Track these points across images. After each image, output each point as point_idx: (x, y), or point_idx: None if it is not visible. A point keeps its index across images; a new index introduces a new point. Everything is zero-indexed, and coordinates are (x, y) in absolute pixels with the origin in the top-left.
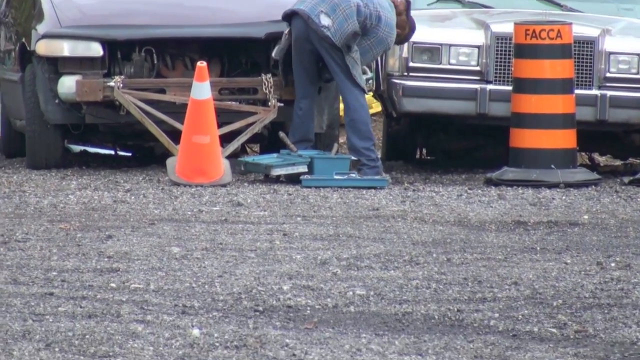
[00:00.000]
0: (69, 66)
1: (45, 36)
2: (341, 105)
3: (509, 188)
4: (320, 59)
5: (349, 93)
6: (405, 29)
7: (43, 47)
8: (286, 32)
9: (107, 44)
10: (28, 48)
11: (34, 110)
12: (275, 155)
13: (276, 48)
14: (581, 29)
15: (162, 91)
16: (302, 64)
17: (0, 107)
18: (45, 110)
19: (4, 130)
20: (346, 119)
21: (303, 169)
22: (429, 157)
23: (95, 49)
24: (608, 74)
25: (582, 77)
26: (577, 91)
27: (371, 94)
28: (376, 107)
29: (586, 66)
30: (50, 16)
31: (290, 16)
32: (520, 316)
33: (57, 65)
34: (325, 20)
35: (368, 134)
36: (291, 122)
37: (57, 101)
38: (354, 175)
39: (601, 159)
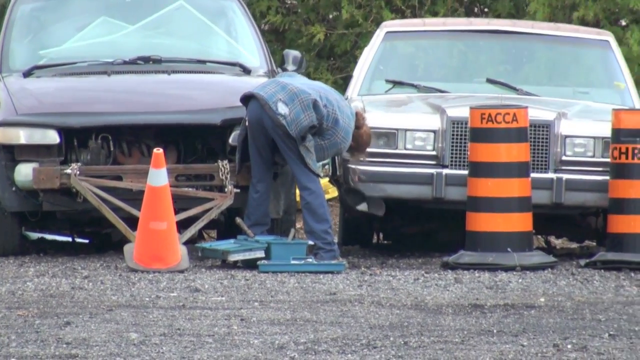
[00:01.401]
0: (25, 154)
1: (2, 124)
2: (297, 191)
3: (465, 271)
4: (275, 143)
5: (304, 177)
6: (357, 142)
7: None
8: (245, 117)
9: (63, 131)
10: None
11: None
12: (232, 241)
13: (232, 134)
14: (537, 113)
15: (119, 178)
16: (257, 147)
17: None
18: (2, 198)
19: None
20: (302, 202)
21: (260, 254)
22: (385, 242)
23: (52, 137)
24: (564, 157)
25: (538, 161)
26: (533, 174)
27: (327, 179)
28: (332, 192)
29: (542, 149)
30: (7, 104)
31: (248, 99)
32: None
33: (14, 153)
34: (282, 109)
35: (325, 216)
36: (247, 205)
37: (14, 189)
38: (310, 260)
39: (557, 242)
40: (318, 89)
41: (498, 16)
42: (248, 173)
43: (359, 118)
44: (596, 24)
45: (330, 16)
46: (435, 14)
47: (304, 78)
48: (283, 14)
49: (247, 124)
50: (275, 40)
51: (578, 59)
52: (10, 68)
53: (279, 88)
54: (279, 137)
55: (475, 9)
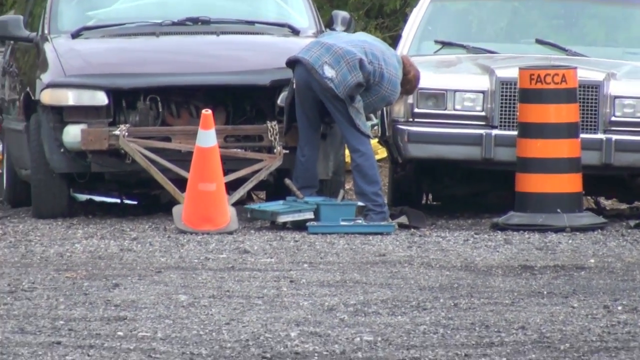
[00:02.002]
0: (74, 115)
1: (50, 85)
2: (347, 152)
3: (515, 232)
4: (323, 106)
5: (354, 139)
6: (405, 88)
7: (48, 97)
8: (292, 80)
9: (111, 92)
10: (32, 97)
11: (39, 160)
12: (281, 202)
13: (281, 95)
14: (586, 73)
15: (168, 139)
16: (304, 110)
17: (6, 156)
18: (51, 160)
19: (10, 180)
20: (352, 164)
21: (309, 215)
22: (434, 203)
23: (100, 98)
24: (613, 118)
25: (587, 121)
26: (582, 135)
27: (376, 140)
28: (382, 153)
29: (591, 110)
30: (55, 65)
31: (293, 63)
32: None
33: (62, 115)
34: (329, 72)
35: (375, 178)
36: (294, 169)
37: (62, 150)
38: (360, 221)
39: (607, 203)
40: (362, 44)
41: None
42: (297, 133)
43: (405, 65)
44: None
45: None
46: None
47: (345, 34)
48: None
49: (294, 87)
50: None
51: (627, 20)
52: (58, 29)
53: (324, 50)
54: (327, 100)
55: None
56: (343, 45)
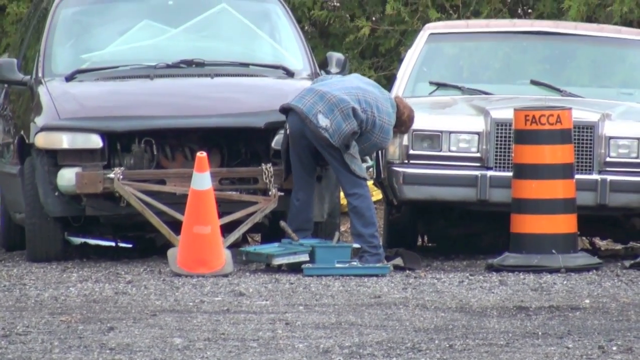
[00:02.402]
0: (68, 158)
1: (44, 129)
2: (342, 194)
3: (510, 273)
4: (317, 151)
5: (350, 184)
6: (400, 128)
7: (42, 140)
8: (286, 126)
9: (106, 135)
10: (27, 141)
11: (34, 203)
12: (276, 244)
13: (276, 138)
14: (581, 114)
15: (163, 182)
16: (298, 157)
17: (0, 200)
18: (45, 203)
19: (4, 224)
20: (349, 206)
21: (304, 257)
22: (430, 244)
23: (95, 141)
24: (608, 159)
25: (582, 162)
26: (577, 176)
27: (371, 182)
28: (377, 195)
29: (586, 151)
30: (49, 108)
31: (287, 110)
32: None
33: (57, 158)
34: (323, 121)
35: (372, 220)
36: (289, 211)
37: (56, 194)
38: (355, 263)
39: (602, 243)
40: (355, 91)
41: (540, 16)
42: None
43: (399, 106)
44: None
45: (374, 18)
46: (478, 14)
47: (339, 79)
48: (328, 10)
49: (288, 132)
50: (320, 37)
51: (622, 60)
52: (52, 72)
53: (317, 98)
54: (322, 148)
55: (519, 10)
56: (337, 92)
